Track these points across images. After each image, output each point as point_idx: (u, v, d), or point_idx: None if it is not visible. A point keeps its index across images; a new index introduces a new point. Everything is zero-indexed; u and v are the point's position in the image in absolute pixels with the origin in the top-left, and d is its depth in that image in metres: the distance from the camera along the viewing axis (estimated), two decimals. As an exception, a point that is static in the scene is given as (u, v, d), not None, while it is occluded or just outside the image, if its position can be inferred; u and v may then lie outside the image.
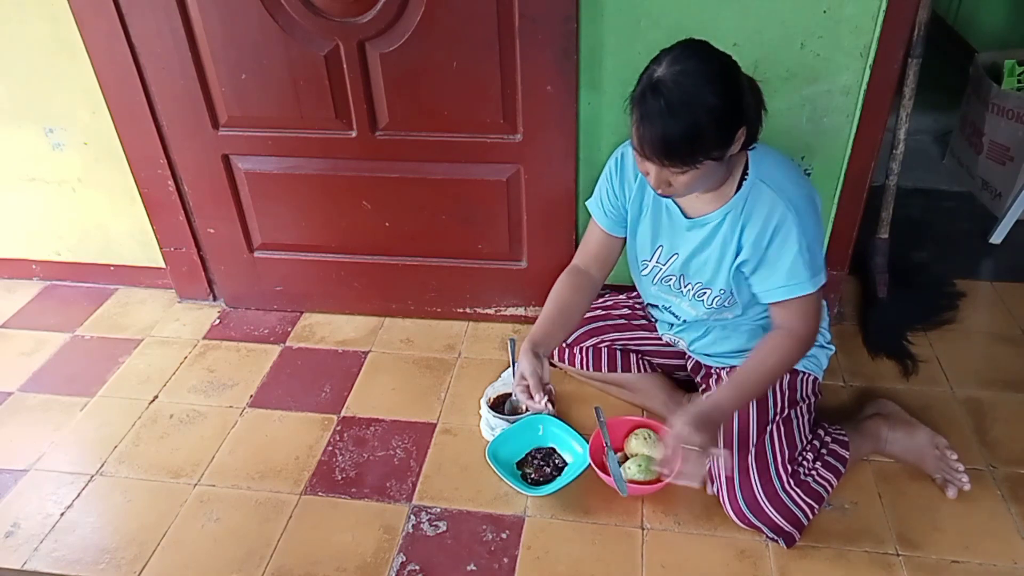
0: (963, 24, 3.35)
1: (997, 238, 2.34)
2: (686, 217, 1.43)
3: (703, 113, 1.17)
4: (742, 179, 1.35)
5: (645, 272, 1.56)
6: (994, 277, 2.20)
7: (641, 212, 1.50)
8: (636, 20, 1.61)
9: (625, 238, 1.56)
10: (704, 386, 1.64)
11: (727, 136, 1.23)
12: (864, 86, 1.62)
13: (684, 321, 1.57)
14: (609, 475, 1.48)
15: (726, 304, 1.47)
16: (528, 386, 1.41)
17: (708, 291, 1.47)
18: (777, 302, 1.39)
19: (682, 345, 1.65)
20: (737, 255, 1.39)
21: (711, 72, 1.20)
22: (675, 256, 1.48)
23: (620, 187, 1.50)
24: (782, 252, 1.34)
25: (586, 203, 1.59)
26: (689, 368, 1.70)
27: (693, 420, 1.32)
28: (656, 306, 1.62)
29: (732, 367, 1.57)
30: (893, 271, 2.00)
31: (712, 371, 1.62)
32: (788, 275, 1.35)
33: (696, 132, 1.18)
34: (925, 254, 2.28)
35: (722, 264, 1.41)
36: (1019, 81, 2.41)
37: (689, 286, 1.50)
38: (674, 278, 1.51)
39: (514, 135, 1.77)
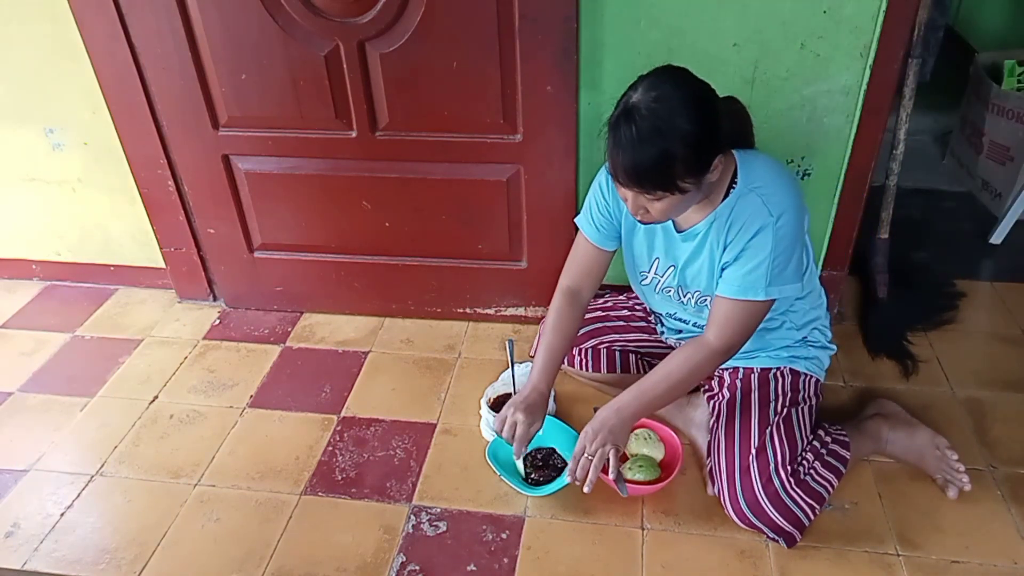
0: (963, 24, 3.35)
1: (997, 238, 2.34)
2: (677, 231, 1.43)
3: (675, 141, 1.17)
4: (730, 187, 1.35)
5: (645, 282, 1.56)
6: (994, 277, 2.20)
7: (635, 225, 1.48)
8: (636, 20, 1.60)
9: (614, 250, 1.55)
10: (706, 386, 1.63)
11: (701, 164, 1.23)
12: (864, 86, 1.62)
13: (694, 325, 1.56)
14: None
15: None
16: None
17: (708, 298, 1.46)
18: (724, 297, 1.36)
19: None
20: (722, 258, 1.38)
21: (685, 99, 1.19)
22: (672, 267, 1.48)
23: (614, 201, 1.48)
24: (752, 255, 1.32)
25: (575, 220, 1.56)
26: None
27: (591, 426, 1.39)
28: (662, 314, 1.62)
29: (734, 368, 1.57)
30: (893, 271, 2.00)
31: (714, 373, 1.61)
32: (745, 276, 1.33)
33: (667, 160, 1.18)
34: (925, 254, 2.28)
35: (714, 271, 1.41)
36: (1019, 81, 2.41)
37: (689, 295, 1.50)
38: (673, 289, 1.51)
39: (514, 135, 1.77)
